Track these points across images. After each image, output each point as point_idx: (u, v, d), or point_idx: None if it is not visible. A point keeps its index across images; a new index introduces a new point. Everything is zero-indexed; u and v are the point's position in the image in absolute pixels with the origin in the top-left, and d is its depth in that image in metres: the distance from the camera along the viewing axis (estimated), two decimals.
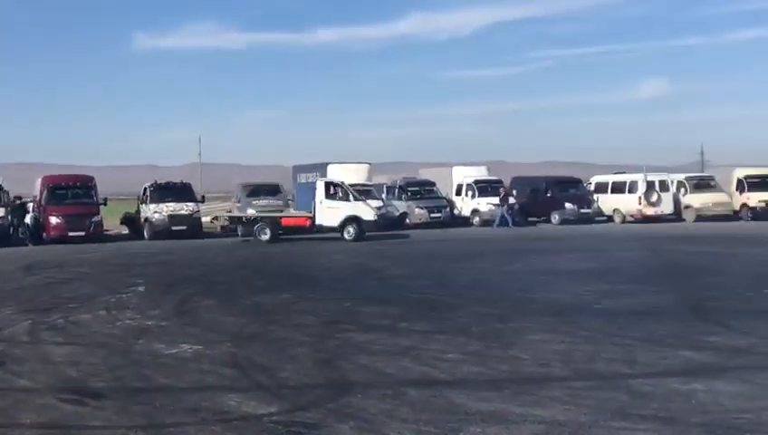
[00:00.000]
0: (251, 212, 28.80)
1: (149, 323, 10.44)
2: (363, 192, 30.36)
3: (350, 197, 25.40)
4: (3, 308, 11.90)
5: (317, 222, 25.34)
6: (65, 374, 7.61)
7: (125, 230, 31.09)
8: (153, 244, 25.81)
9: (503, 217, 31.31)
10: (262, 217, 26.24)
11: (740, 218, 32.40)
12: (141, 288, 14.10)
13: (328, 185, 25.92)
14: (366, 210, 25.38)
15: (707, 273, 14.96)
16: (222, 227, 31.69)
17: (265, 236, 25.25)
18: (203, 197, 30.76)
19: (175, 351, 8.56)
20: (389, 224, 29.90)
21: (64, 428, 5.86)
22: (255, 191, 30.23)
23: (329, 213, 25.21)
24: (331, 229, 25.08)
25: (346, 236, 24.85)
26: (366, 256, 19.81)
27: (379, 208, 28.75)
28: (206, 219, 31.37)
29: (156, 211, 27.70)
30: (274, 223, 25.76)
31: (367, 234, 25.09)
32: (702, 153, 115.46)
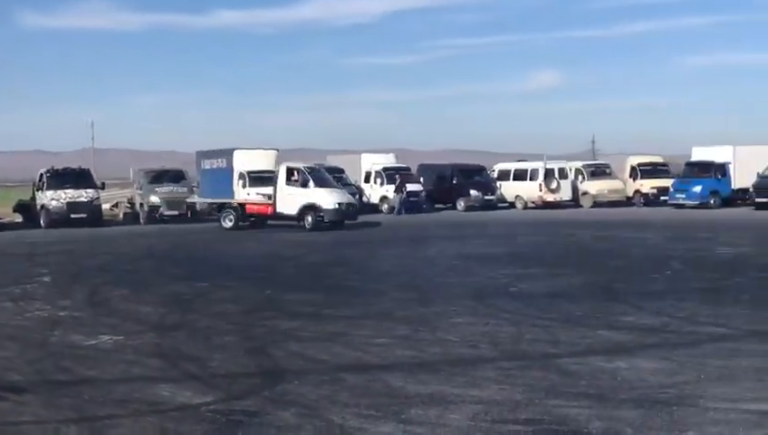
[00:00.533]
0: (154, 199, 28.01)
1: (62, 314, 10.02)
2: (269, 178, 30.06)
3: (310, 183, 23.62)
4: None
5: (277, 210, 23.92)
6: None
7: (18, 218, 29.66)
8: (51, 232, 24.72)
9: (400, 204, 31.61)
10: (229, 204, 25.17)
11: (633, 204, 33.96)
12: (47, 278, 13.53)
13: (290, 170, 24.32)
14: (326, 198, 23.39)
15: (611, 256, 15.63)
16: (124, 215, 30.77)
17: (229, 224, 24.48)
18: (102, 183, 29.62)
19: (94, 342, 8.26)
20: None
21: None
22: (158, 177, 29.32)
23: (288, 200, 23.72)
24: (290, 218, 23.51)
25: (306, 226, 23.10)
26: (279, 244, 19.64)
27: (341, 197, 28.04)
28: (105, 206, 30.33)
29: (53, 198, 26.52)
30: (239, 210, 24.75)
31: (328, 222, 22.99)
32: (593, 142, 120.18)
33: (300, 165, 25.23)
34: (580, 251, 16.88)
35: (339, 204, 23.39)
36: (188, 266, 15.43)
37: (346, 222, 23.56)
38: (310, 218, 23.27)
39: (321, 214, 23.14)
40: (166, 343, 8.17)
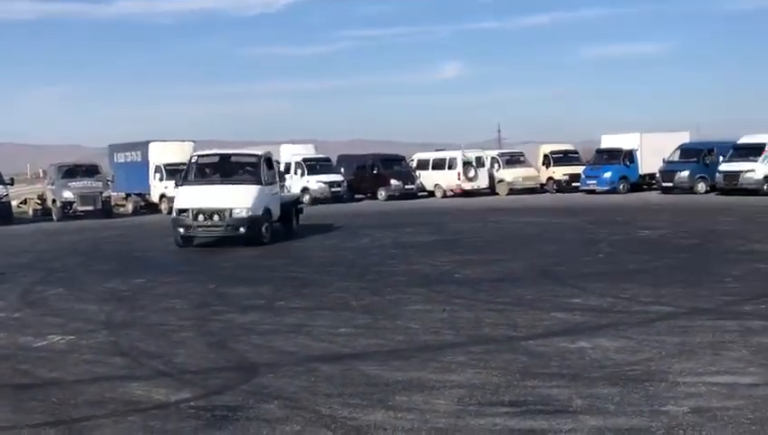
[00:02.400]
0: (67, 195, 26.96)
1: (0, 315, 9.57)
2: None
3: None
4: None
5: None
6: None
7: None
8: None
9: None
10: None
11: (546, 191, 35.04)
12: None
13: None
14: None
15: (540, 241, 16.11)
16: (34, 211, 29.51)
17: None
18: (12, 179, 28.34)
19: (45, 343, 7.95)
20: None
21: None
22: (71, 172, 28.23)
23: None
24: None
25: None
26: None
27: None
28: (13, 203, 28.99)
29: None
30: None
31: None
32: (499, 131, 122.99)
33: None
34: (510, 237, 17.31)
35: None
36: (117, 262, 14.96)
37: None
38: None
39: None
40: (122, 341, 7.94)
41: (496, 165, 35.82)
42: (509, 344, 7.24)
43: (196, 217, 15.97)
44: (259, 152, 17.98)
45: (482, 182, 34.65)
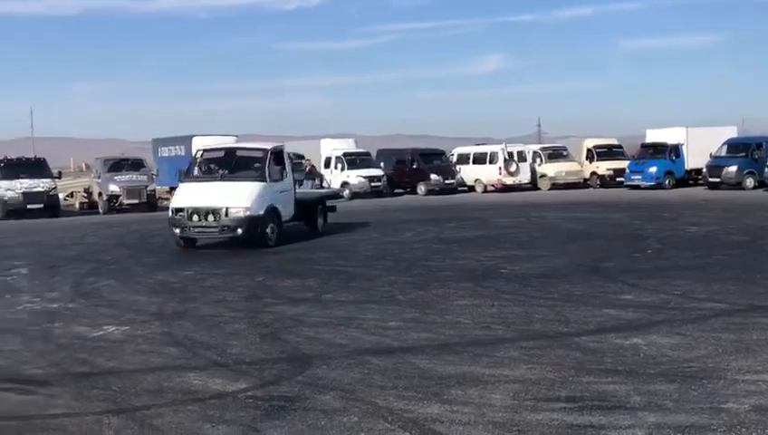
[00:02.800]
0: (113, 188, 27.41)
1: (55, 306, 9.79)
2: None
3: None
4: None
5: None
6: None
7: None
8: (8, 223, 24.01)
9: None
10: None
11: (589, 186, 34.67)
12: (24, 270, 13.16)
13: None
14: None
15: (586, 236, 15.95)
16: (80, 205, 30.08)
17: None
18: (59, 172, 28.90)
19: (101, 333, 8.11)
20: None
21: (25, 418, 5.43)
22: (117, 166, 28.73)
23: None
24: None
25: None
26: None
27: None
28: (60, 196, 29.57)
29: (9, 189, 25.75)
30: None
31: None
32: (539, 125, 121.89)
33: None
34: (555, 232, 17.16)
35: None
36: (165, 255, 15.16)
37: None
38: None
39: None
40: (175, 331, 8.07)
41: (538, 159, 35.54)
42: (561, 340, 7.19)
43: (190, 217, 14.83)
44: (267, 146, 16.39)
45: (523, 177, 34.41)
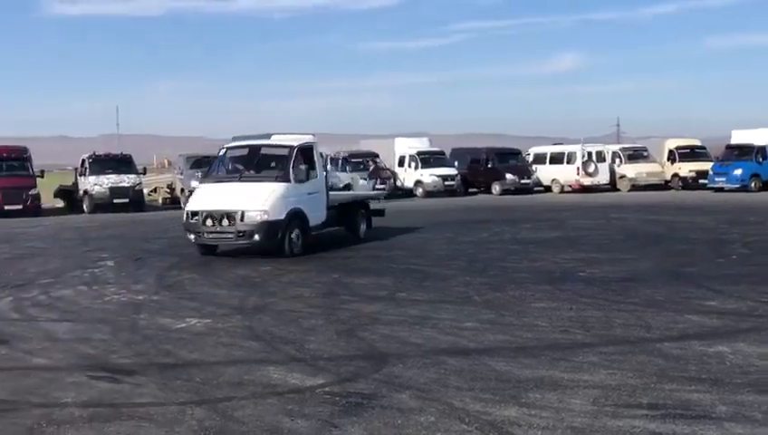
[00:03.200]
0: (195, 185, 28.10)
1: (140, 297, 10.14)
2: None
3: None
4: None
5: None
6: (80, 351, 7.33)
7: (59, 203, 30.02)
8: (95, 217, 24.99)
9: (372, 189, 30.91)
10: None
11: (671, 188, 33.70)
12: (110, 262, 13.68)
13: None
14: None
15: (668, 240, 15.51)
16: (163, 200, 31.01)
17: None
18: (144, 168, 29.90)
19: (184, 325, 8.36)
20: None
21: (113, 406, 5.65)
22: (199, 163, 29.41)
23: None
24: None
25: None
26: None
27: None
28: (144, 191, 30.56)
29: (96, 184, 26.80)
30: None
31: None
32: (618, 125, 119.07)
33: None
34: (636, 235, 16.75)
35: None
36: (245, 249, 15.46)
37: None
38: None
39: None
40: (255, 325, 8.24)
41: (618, 160, 34.77)
42: (642, 346, 7.02)
43: (204, 222, 13.60)
44: (294, 142, 14.74)
45: (602, 178, 33.73)
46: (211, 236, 13.75)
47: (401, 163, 34.50)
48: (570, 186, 33.59)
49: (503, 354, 6.85)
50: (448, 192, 32.63)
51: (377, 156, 34.47)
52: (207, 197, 14.10)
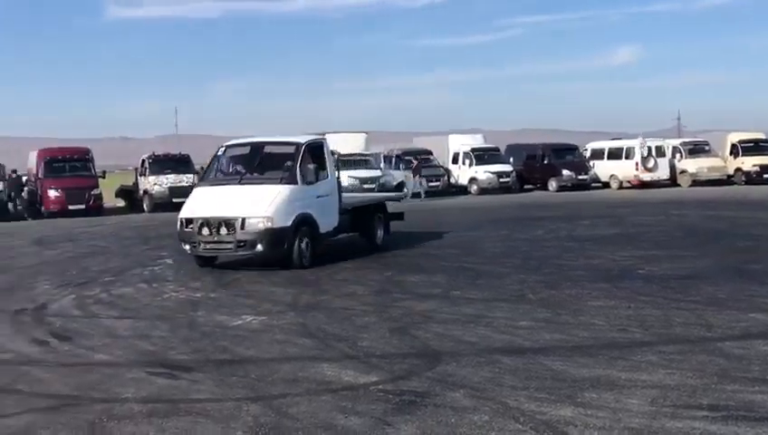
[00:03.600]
0: None
1: (198, 295, 10.33)
2: (361, 162, 30.27)
3: None
4: (38, 283, 11.75)
5: None
6: (140, 348, 7.50)
7: (120, 203, 30.78)
8: (155, 216, 25.49)
9: (419, 187, 30.71)
10: None
11: (734, 183, 32.74)
12: (169, 260, 13.95)
13: None
14: None
15: (731, 236, 15.08)
16: None
17: None
18: (202, 168, 30.35)
19: (240, 322, 8.48)
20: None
21: (171, 401, 5.77)
22: None
23: None
24: None
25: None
26: None
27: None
28: None
29: (156, 183, 27.39)
30: None
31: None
32: (678, 118, 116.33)
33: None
34: (696, 231, 16.34)
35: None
36: None
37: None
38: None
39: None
40: (309, 323, 8.30)
41: (678, 155, 33.95)
42: (703, 345, 6.84)
43: (200, 230, 12.14)
44: (301, 140, 13.31)
45: (662, 173, 32.95)
46: (208, 246, 12.23)
47: (455, 160, 34.33)
48: (628, 181, 32.94)
49: (558, 353, 6.76)
50: (503, 189, 32.35)
51: (430, 153, 34.40)
52: (203, 202, 12.58)
